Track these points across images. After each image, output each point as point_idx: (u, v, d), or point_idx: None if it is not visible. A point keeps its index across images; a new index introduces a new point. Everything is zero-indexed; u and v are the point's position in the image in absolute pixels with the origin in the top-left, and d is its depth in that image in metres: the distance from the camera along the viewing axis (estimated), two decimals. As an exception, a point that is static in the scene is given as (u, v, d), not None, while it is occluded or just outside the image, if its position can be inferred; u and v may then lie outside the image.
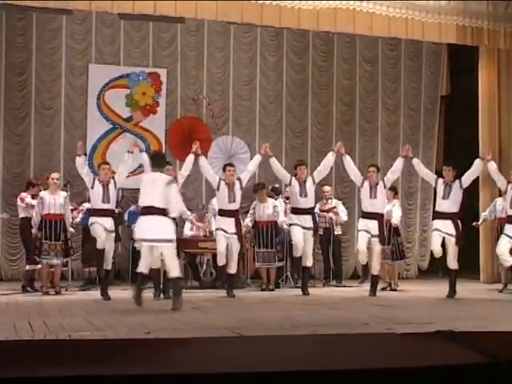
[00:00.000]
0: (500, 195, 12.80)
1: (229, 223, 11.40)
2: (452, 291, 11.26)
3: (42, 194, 11.66)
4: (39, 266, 11.59)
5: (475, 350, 3.77)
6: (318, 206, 13.50)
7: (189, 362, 3.54)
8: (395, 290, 12.65)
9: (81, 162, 11.05)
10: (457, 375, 3.55)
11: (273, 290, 12.45)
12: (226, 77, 16.01)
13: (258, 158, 12.12)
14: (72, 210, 12.33)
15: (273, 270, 12.68)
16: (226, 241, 11.40)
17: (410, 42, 16.06)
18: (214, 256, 12.69)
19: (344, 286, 13.43)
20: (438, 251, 11.46)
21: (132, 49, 15.50)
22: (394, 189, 12.87)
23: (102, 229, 10.80)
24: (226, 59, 16.01)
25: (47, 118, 14.96)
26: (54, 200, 11.55)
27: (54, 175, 11.81)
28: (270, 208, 12.73)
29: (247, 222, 12.70)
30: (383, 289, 12.65)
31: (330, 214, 13.55)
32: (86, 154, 12.39)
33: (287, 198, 13.34)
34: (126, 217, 13.17)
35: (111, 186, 10.97)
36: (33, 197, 11.94)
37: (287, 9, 13.22)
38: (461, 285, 11.89)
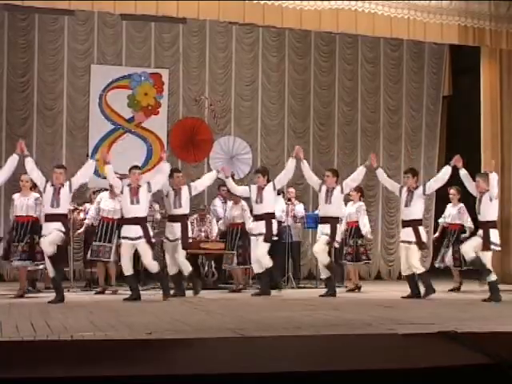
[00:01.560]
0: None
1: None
2: (430, 290, 11.25)
3: (14, 196, 11.53)
4: (41, 266, 11.55)
5: (478, 350, 3.76)
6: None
7: (191, 363, 3.53)
8: (353, 291, 12.68)
9: (31, 165, 10.56)
10: (460, 376, 3.53)
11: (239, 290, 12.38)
12: (227, 77, 16.02)
13: (292, 162, 11.83)
14: (72, 211, 12.29)
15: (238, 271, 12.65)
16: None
17: (412, 43, 16.06)
18: (216, 257, 12.74)
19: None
20: (404, 269, 11.53)
21: (134, 49, 15.51)
22: (360, 190, 12.80)
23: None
24: (228, 60, 16.02)
25: (49, 119, 14.98)
26: (25, 201, 11.31)
27: (24, 177, 11.31)
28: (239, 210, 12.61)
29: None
30: (350, 290, 12.67)
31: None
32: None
33: (289, 200, 13.34)
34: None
35: (63, 191, 10.50)
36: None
37: (289, 9, 13.20)
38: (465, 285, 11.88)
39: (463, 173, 11.29)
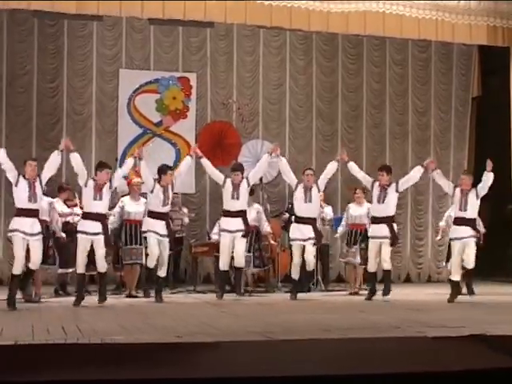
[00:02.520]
0: None
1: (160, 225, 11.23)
2: (386, 290, 11.30)
3: None
4: (70, 269, 11.59)
5: (509, 353, 3.73)
6: None
7: (217, 366, 3.53)
8: (357, 294, 12.43)
9: (2, 155, 10.10)
10: (491, 379, 3.50)
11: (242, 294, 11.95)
12: (255, 81, 16.03)
13: (333, 164, 11.92)
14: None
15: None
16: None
17: (440, 44, 15.97)
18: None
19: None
20: (372, 265, 11.53)
21: (162, 54, 15.56)
22: (363, 190, 12.59)
23: (21, 238, 9.94)
24: (256, 63, 16.02)
25: (79, 124, 15.07)
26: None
27: None
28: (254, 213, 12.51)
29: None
30: (352, 293, 12.45)
31: None
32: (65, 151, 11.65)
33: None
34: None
35: (37, 184, 10.12)
36: (65, 201, 11.91)
37: (316, 12, 13.20)
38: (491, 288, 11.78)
39: (437, 173, 11.49)
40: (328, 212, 13.43)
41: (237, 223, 11.49)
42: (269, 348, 4.35)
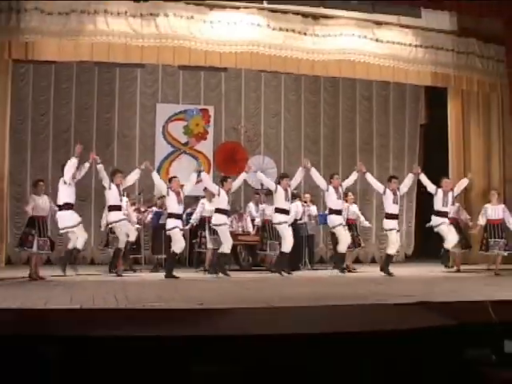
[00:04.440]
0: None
1: None
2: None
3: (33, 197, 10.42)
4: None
5: (447, 315, 3.74)
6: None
7: (231, 326, 3.56)
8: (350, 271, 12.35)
9: (99, 168, 10.85)
10: (434, 334, 3.53)
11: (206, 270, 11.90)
12: (258, 111, 16.04)
13: (355, 174, 12.11)
14: (139, 211, 12.46)
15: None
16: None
17: (397, 84, 15.96)
18: (249, 246, 12.78)
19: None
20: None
21: (188, 91, 15.59)
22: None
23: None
24: (258, 98, 16.04)
25: (126, 145, 15.10)
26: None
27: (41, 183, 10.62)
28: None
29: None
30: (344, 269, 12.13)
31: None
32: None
33: (305, 202, 13.26)
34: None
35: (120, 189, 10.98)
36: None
37: (304, 60, 13.28)
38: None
39: (423, 177, 11.74)
40: (313, 210, 13.44)
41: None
42: (271, 313, 4.37)
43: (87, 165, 10.80)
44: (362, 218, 13.16)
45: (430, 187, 11.68)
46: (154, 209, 12.62)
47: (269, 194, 13.13)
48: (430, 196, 11.75)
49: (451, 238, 11.57)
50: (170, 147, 15.35)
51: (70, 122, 14.73)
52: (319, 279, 10.97)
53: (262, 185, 12.95)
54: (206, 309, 5.49)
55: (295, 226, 12.36)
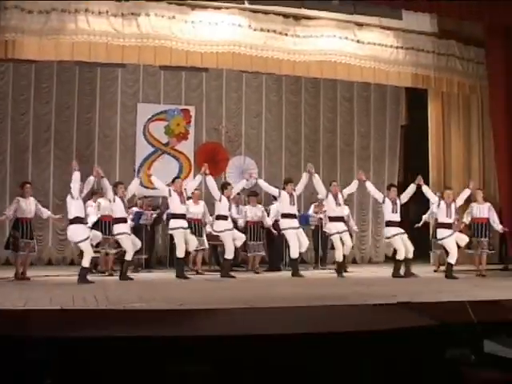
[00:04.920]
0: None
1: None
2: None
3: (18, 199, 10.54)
4: (98, 254, 11.47)
5: (428, 315, 3.76)
6: (312, 208, 13.57)
7: (212, 327, 3.54)
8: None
9: (107, 185, 10.93)
10: (414, 335, 3.54)
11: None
12: (239, 111, 16.00)
13: (356, 182, 12.06)
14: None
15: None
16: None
17: (377, 86, 16.00)
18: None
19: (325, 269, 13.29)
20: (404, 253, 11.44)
21: (169, 91, 15.50)
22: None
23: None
24: (240, 98, 15.99)
25: (107, 145, 14.98)
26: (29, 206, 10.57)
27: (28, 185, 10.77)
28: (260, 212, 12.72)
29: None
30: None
31: (320, 215, 13.39)
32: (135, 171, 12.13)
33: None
34: (164, 217, 13.10)
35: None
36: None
37: (285, 61, 13.25)
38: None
39: (425, 188, 11.59)
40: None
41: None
42: (251, 313, 4.37)
43: (92, 179, 10.55)
44: (352, 222, 13.25)
45: (433, 199, 11.64)
46: (135, 209, 12.52)
47: (251, 195, 13.16)
48: (416, 197, 11.78)
49: (455, 252, 11.29)
50: (151, 147, 15.25)
51: (50, 122, 14.57)
52: (301, 280, 10.98)
53: (244, 188, 12.90)
54: (186, 309, 5.47)
55: (275, 226, 12.46)
